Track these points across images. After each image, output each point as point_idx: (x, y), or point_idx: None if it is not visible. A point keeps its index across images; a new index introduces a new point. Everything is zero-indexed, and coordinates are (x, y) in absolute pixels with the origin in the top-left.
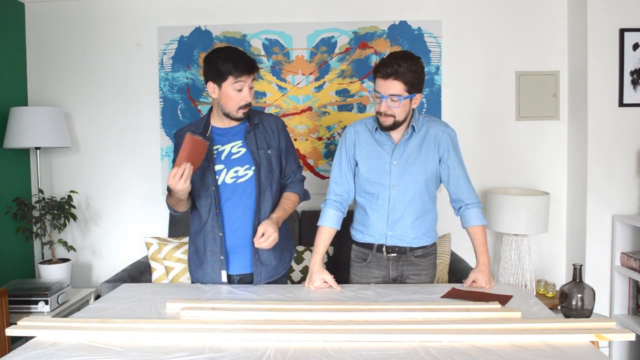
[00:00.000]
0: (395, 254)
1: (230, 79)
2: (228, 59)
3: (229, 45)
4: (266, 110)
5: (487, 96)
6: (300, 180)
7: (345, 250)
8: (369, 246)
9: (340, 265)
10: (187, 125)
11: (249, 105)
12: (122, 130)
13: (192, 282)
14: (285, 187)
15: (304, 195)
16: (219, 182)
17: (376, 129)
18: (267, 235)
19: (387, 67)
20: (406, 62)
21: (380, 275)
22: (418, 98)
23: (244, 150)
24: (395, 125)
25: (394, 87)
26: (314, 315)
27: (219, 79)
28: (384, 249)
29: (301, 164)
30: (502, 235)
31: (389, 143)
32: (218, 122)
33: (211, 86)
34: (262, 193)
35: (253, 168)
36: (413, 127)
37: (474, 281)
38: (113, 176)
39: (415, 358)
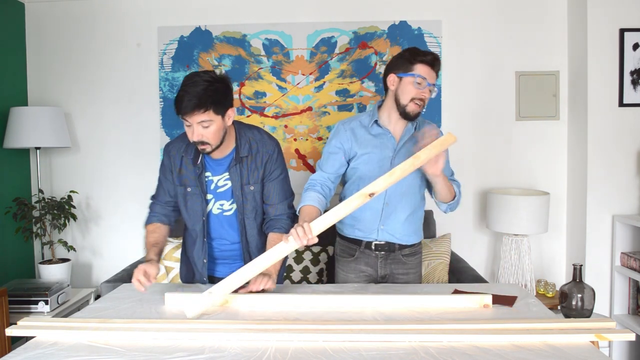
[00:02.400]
0: (384, 252)
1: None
2: (179, 91)
3: (196, 73)
4: (266, 111)
5: (487, 96)
6: (287, 217)
7: None
8: (357, 242)
9: None
10: (177, 139)
11: (202, 144)
12: (122, 130)
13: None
14: (269, 227)
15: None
16: (207, 210)
17: (375, 122)
18: (258, 283)
19: (434, 59)
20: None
21: (368, 271)
22: None
23: (229, 184)
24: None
25: (435, 77)
26: (313, 314)
27: None
28: (372, 246)
29: (292, 193)
30: (502, 235)
31: (388, 137)
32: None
33: None
34: (246, 227)
35: (235, 204)
36: (416, 123)
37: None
38: (113, 176)
39: (415, 358)
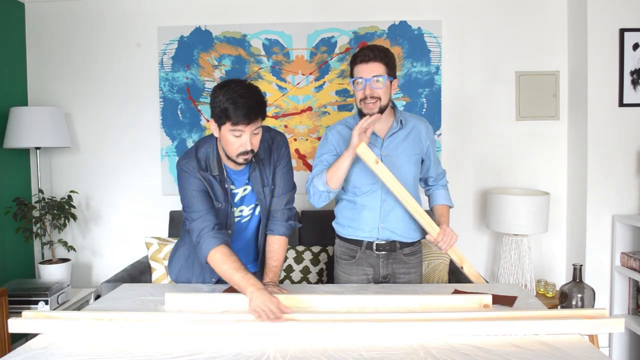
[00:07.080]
0: (385, 252)
1: (228, 125)
2: (230, 100)
3: (240, 82)
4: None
5: (487, 96)
6: (281, 214)
7: None
8: (357, 243)
9: None
10: (189, 159)
11: (250, 152)
12: (122, 130)
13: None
14: (269, 225)
15: (293, 227)
16: (234, 223)
17: None
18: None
19: (368, 51)
20: (381, 47)
21: (370, 272)
22: (395, 84)
23: (249, 188)
24: (381, 111)
25: (376, 68)
26: (313, 314)
27: (217, 120)
28: (374, 246)
29: (294, 186)
30: (502, 235)
31: (374, 136)
32: (228, 162)
33: (213, 124)
34: (262, 232)
35: (258, 207)
36: (401, 122)
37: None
38: (113, 176)
39: (415, 358)
